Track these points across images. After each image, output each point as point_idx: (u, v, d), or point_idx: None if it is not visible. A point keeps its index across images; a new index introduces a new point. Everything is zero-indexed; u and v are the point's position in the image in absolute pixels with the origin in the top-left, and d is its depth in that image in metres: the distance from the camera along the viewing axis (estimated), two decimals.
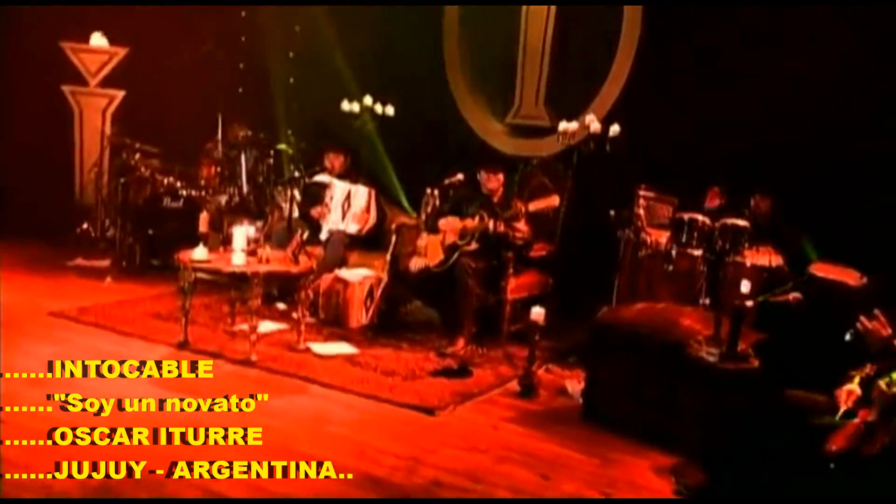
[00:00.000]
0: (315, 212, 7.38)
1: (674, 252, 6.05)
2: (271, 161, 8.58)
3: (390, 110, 8.13)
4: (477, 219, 6.56)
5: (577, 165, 7.06)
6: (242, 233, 5.96)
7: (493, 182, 6.56)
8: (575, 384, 5.74)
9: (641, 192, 6.39)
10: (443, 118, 8.52)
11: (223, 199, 8.37)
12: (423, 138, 8.48)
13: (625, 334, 5.13)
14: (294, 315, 6.56)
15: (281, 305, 6.97)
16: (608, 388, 5.22)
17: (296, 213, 7.48)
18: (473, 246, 6.52)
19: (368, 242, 7.40)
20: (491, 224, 6.33)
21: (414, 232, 7.28)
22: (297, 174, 7.76)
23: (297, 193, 7.72)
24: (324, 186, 7.45)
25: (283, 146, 8.77)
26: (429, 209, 7.09)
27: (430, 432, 4.94)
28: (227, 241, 6.24)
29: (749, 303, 4.41)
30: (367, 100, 8.16)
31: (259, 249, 5.98)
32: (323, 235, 7.34)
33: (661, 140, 7.21)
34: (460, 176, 6.66)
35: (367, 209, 7.26)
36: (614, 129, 7.03)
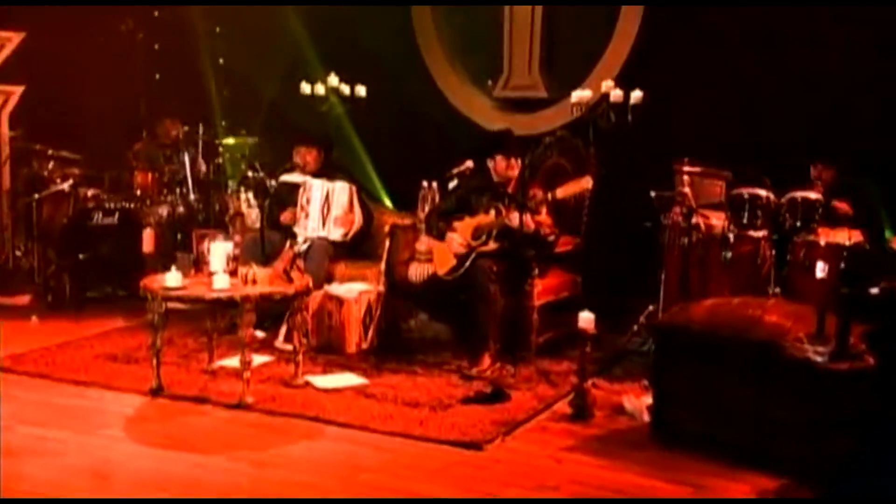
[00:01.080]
0: (286, 217, 7.31)
1: (731, 236, 6.10)
2: (220, 161, 8.44)
3: (361, 91, 8.08)
4: (492, 213, 6.55)
5: (595, 141, 7.12)
6: (221, 250, 5.87)
7: (512, 169, 6.57)
8: (633, 399, 5.78)
9: (685, 168, 6.44)
10: (420, 96, 8.56)
11: (164, 210, 8.22)
12: (398, 122, 8.55)
13: (699, 337, 5.17)
14: (278, 344, 6.61)
15: (259, 333, 6.88)
16: (681, 402, 5.27)
17: (255, 222, 7.39)
18: (492, 246, 6.53)
19: (353, 249, 7.36)
20: (514, 218, 6.31)
21: (410, 234, 7.30)
22: (258, 174, 7.65)
23: (252, 198, 7.64)
24: (295, 187, 7.38)
25: (230, 141, 8.65)
26: (427, 206, 7.06)
27: (484, 471, 4.94)
28: (198, 262, 6.13)
29: (874, 289, 4.48)
30: (333, 80, 8.11)
31: (242, 268, 5.88)
32: (299, 245, 7.23)
33: (689, 106, 7.35)
34: (469, 163, 6.67)
35: (351, 209, 7.25)
36: (636, 95, 7.12)
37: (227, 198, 8.26)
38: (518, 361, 6.39)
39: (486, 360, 6.34)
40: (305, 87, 8.14)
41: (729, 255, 6.18)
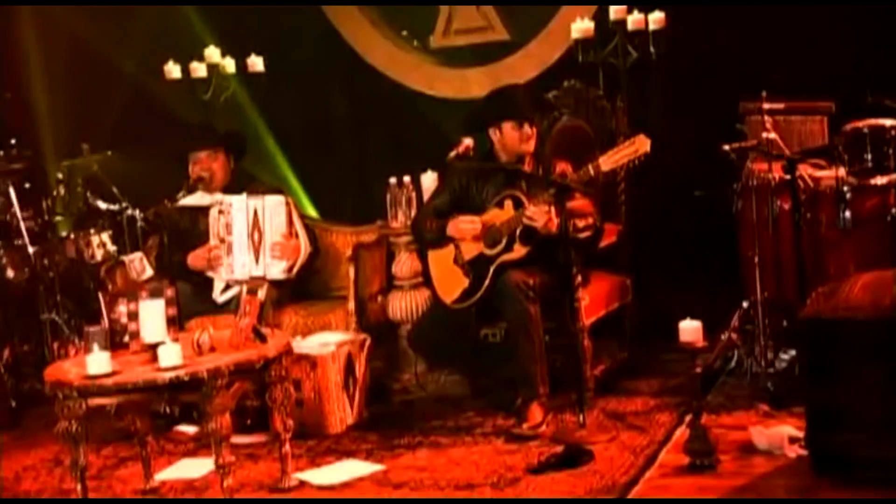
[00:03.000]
0: (196, 259, 7.02)
1: (847, 189, 6.14)
2: (61, 191, 8.08)
3: (258, 64, 7.94)
4: (508, 206, 6.44)
5: (609, 88, 7.21)
6: (155, 312, 5.64)
7: (527, 140, 6.47)
8: (763, 431, 5.77)
9: (765, 105, 6.43)
10: (335, 65, 8.60)
11: None
12: (306, 100, 8.51)
13: (872, 330, 5.14)
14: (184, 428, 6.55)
15: (188, 429, 6.65)
16: (850, 422, 5.23)
17: (147, 272, 7.06)
18: (519, 251, 6.42)
19: (299, 289, 7.22)
20: (540, 213, 6.20)
21: (378, 255, 7.24)
22: (121, 205, 7.33)
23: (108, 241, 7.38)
24: (200, 214, 7.10)
25: (68, 163, 8.32)
26: (399, 212, 6.96)
27: None
28: (116, 335, 5.85)
29: None
30: (213, 53, 7.92)
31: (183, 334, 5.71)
32: (221, 293, 7.01)
33: (737, 22, 7.38)
34: (468, 141, 6.53)
35: (292, 231, 7.02)
36: (657, 17, 7.15)
37: (74, 244, 7.90)
38: (578, 405, 6.27)
39: (538, 411, 6.27)
40: (173, 69, 7.93)
41: (848, 215, 6.17)
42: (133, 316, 5.80)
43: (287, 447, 5.89)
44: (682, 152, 6.90)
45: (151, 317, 5.64)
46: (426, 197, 7.08)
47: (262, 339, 5.79)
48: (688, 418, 5.86)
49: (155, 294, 5.87)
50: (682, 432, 5.95)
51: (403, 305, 7.00)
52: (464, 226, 6.48)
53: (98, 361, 5.49)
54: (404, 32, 8.56)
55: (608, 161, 6.17)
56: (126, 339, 5.86)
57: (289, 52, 8.21)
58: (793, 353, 6.44)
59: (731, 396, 6.47)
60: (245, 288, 6.21)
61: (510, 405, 6.46)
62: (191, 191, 7.09)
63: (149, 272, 6.86)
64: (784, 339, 6.52)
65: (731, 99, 6.80)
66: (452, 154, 6.49)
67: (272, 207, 6.97)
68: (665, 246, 7.27)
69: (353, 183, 7.87)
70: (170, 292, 5.92)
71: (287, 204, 7.03)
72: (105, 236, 7.83)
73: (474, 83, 8.44)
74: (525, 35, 8.36)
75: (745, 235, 6.61)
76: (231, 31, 8.11)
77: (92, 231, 7.85)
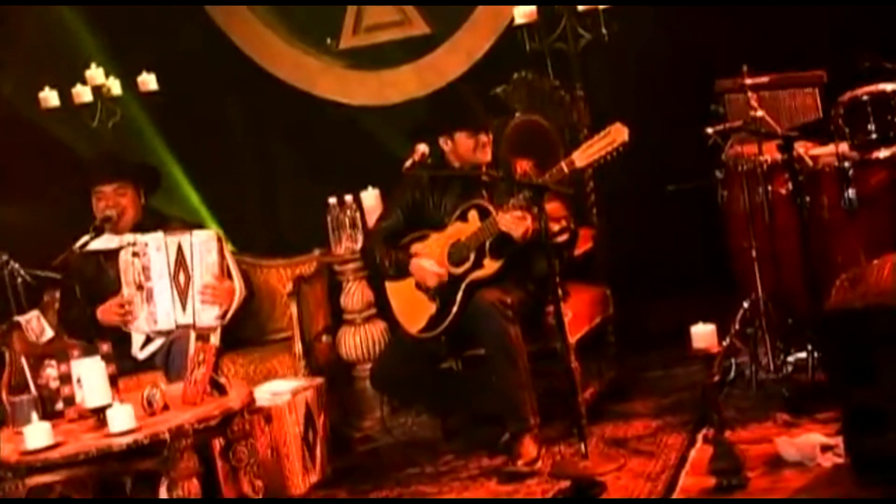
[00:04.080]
0: (108, 313, 7.09)
1: (849, 166, 6.41)
2: None
3: (152, 82, 8.05)
4: (472, 217, 6.66)
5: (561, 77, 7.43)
6: (95, 371, 5.76)
7: (484, 147, 6.67)
8: (790, 442, 5.98)
9: (748, 81, 6.69)
10: (233, 75, 8.80)
11: None
12: (205, 121, 8.70)
13: None
14: None
15: None
16: (892, 422, 5.43)
17: (46, 333, 7.17)
18: (489, 268, 6.62)
19: (233, 335, 7.30)
20: (513, 220, 6.43)
21: (319, 288, 7.41)
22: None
23: None
24: (107, 258, 7.18)
25: None
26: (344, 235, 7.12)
27: None
28: (47, 402, 5.97)
29: None
30: (96, 74, 8.03)
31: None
32: (142, 349, 7.08)
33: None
34: (422, 148, 6.72)
35: (224, 271, 7.08)
36: None
37: None
38: (577, 433, 6.42)
39: (531, 445, 6.48)
40: (50, 96, 8.03)
41: (852, 194, 6.45)
42: (66, 379, 5.92)
43: None
44: (649, 143, 6.94)
45: (92, 377, 5.73)
46: (369, 218, 7.29)
47: (222, 390, 5.93)
48: (702, 435, 6.13)
49: (88, 352, 5.97)
50: (696, 452, 6.19)
51: (357, 342, 7.22)
52: (427, 274, 6.66)
53: (37, 433, 5.56)
54: (329, 40, 8.81)
55: (583, 156, 6.38)
56: (59, 405, 5.99)
57: (182, 69, 8.36)
58: (801, 354, 6.72)
59: (740, 409, 6.68)
60: (193, 335, 6.37)
61: (495, 443, 6.67)
62: (98, 232, 7.10)
63: (48, 333, 6.99)
64: (790, 339, 6.77)
65: (701, 78, 7.09)
66: (408, 163, 6.68)
67: (201, 244, 7.01)
68: (640, 249, 7.55)
69: (265, 209, 7.93)
70: (105, 347, 6.03)
71: (218, 240, 7.07)
72: None
73: (393, 86, 8.69)
74: (448, 27, 8.56)
75: (735, 228, 6.87)
76: (115, 50, 8.20)
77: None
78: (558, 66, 7.56)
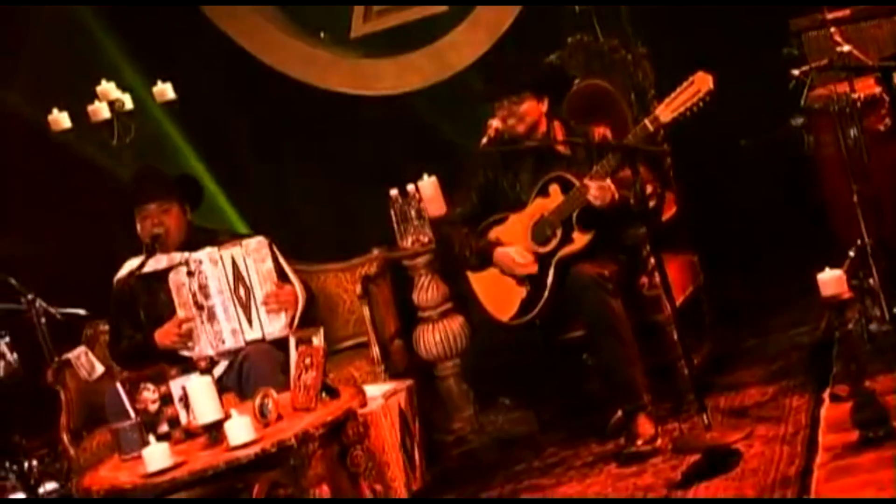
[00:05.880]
0: (166, 335, 7.22)
1: None
2: None
3: (169, 91, 8.23)
4: (554, 190, 6.84)
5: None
6: (205, 389, 5.95)
7: (523, 118, 6.87)
8: None
9: (829, 16, 6.88)
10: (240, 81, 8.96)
11: None
12: (214, 123, 8.97)
13: None
14: None
15: None
16: None
17: (97, 369, 7.36)
18: (579, 241, 6.81)
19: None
20: (602, 187, 6.64)
21: (385, 285, 7.57)
22: (26, 300, 7.57)
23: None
24: (155, 281, 7.31)
25: None
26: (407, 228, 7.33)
27: None
28: (151, 426, 6.18)
29: None
30: (109, 89, 8.19)
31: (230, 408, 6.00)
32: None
33: None
34: (496, 123, 6.84)
35: (282, 276, 7.26)
36: None
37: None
38: (697, 404, 6.56)
39: (647, 424, 6.64)
40: (60, 118, 8.13)
41: None
42: (167, 400, 6.09)
43: None
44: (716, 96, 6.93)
45: (200, 394, 5.87)
46: (428, 208, 7.46)
47: (334, 394, 6.08)
48: (828, 393, 6.39)
49: (187, 370, 6.19)
50: (826, 411, 6.38)
51: (438, 339, 7.41)
52: (514, 265, 6.84)
53: (156, 455, 5.70)
54: (322, 34, 9.01)
55: (667, 111, 6.55)
56: (163, 427, 6.14)
57: (192, 79, 8.53)
58: None
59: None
60: (293, 340, 6.40)
61: (600, 429, 6.88)
62: (150, 253, 7.14)
63: (99, 368, 7.15)
64: None
65: (766, 19, 7.35)
66: (484, 141, 6.81)
67: (254, 252, 7.16)
68: (720, 211, 7.70)
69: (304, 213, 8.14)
70: (203, 363, 6.26)
71: (270, 245, 7.21)
72: (2, 344, 7.84)
73: (413, 71, 8.88)
74: (460, 9, 8.70)
75: (829, 173, 7.01)
76: (121, 63, 8.36)
77: None
78: (606, 24, 7.69)
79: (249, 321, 7.19)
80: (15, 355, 7.89)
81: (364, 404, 6.19)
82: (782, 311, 7.78)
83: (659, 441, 6.59)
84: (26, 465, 7.81)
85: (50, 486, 7.72)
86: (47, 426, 7.88)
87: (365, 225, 8.27)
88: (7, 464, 7.83)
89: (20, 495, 7.43)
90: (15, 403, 8.06)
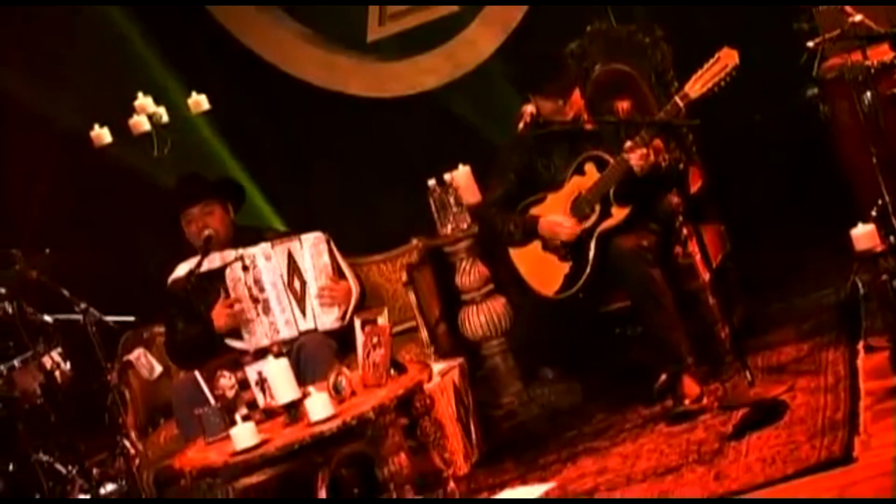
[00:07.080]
0: (221, 315, 7.46)
1: None
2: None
3: (204, 102, 8.57)
4: (590, 169, 7.23)
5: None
6: (283, 371, 6.33)
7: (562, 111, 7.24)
8: None
9: None
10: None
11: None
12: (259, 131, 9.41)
13: None
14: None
15: None
16: None
17: (156, 368, 7.65)
18: (618, 215, 7.18)
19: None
20: (637, 156, 6.96)
21: (428, 272, 7.94)
22: (79, 309, 7.80)
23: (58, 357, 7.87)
24: (208, 280, 7.57)
25: None
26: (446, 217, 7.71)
27: None
28: (230, 409, 6.47)
29: None
30: (145, 101, 8.51)
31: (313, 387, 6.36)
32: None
33: None
34: (531, 108, 7.24)
35: (337, 271, 7.55)
36: None
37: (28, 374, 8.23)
38: (740, 363, 6.97)
39: (692, 384, 7.01)
40: (102, 134, 8.49)
41: None
42: (244, 384, 6.45)
43: (452, 484, 6.54)
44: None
45: (279, 376, 6.26)
46: (464, 196, 7.84)
47: (401, 369, 6.45)
48: (862, 345, 6.70)
49: (259, 355, 6.61)
50: (862, 362, 6.71)
51: (483, 320, 7.74)
52: (560, 229, 7.17)
53: (245, 434, 6.07)
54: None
55: (695, 87, 6.95)
56: (242, 411, 6.45)
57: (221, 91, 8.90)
58: None
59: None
60: (358, 322, 6.71)
61: (644, 394, 7.22)
62: (205, 252, 7.44)
63: (158, 368, 7.49)
64: None
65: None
66: (521, 125, 7.25)
67: (312, 247, 7.48)
68: (740, 184, 8.06)
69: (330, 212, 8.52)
70: (276, 348, 6.60)
71: (327, 241, 7.51)
72: (55, 355, 8.06)
73: (428, 71, 9.21)
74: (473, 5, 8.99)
75: (847, 139, 7.36)
76: (159, 76, 8.77)
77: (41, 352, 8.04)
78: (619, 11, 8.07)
79: (304, 312, 7.45)
80: (68, 364, 8.09)
81: (431, 377, 6.50)
82: (805, 275, 8.14)
83: (705, 400, 6.91)
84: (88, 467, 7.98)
85: (110, 486, 7.93)
86: (100, 430, 8.13)
87: (389, 222, 8.79)
88: (69, 467, 8.00)
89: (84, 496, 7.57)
90: (71, 410, 8.15)
